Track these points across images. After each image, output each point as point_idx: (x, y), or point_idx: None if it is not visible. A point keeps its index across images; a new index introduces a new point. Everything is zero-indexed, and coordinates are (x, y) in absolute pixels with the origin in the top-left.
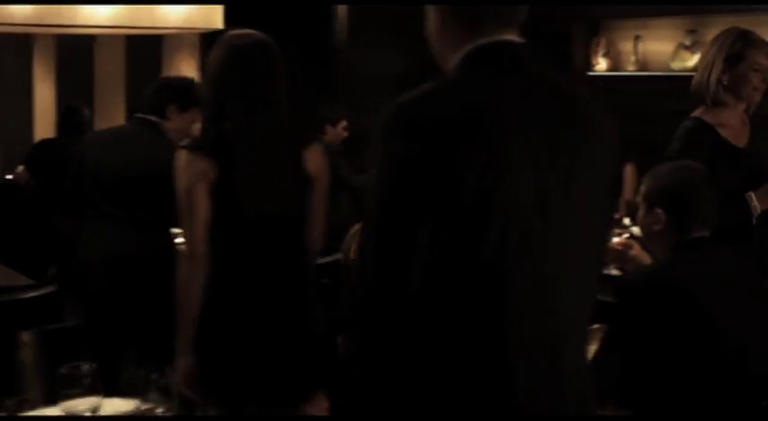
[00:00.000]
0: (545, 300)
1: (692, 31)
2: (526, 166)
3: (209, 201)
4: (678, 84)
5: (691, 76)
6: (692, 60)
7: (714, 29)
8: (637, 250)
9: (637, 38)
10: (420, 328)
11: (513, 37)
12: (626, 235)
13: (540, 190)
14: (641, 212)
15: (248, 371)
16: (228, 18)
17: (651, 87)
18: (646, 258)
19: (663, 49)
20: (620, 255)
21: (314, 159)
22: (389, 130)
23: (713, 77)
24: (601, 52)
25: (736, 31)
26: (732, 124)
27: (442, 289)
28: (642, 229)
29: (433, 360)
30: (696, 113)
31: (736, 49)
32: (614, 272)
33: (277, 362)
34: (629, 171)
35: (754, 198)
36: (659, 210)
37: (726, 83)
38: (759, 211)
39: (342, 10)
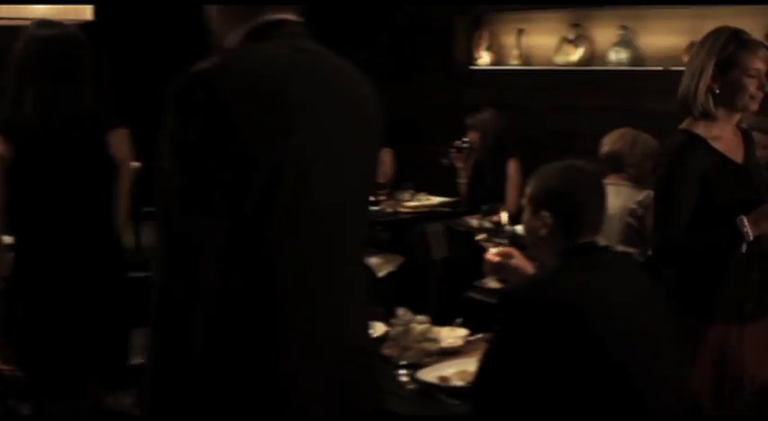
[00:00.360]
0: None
1: (575, 25)
2: (315, 139)
3: (6, 183)
4: (561, 78)
5: (574, 71)
6: (576, 54)
7: (598, 22)
8: (518, 259)
9: (520, 31)
10: (214, 322)
11: (291, 16)
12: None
13: (324, 163)
14: (526, 215)
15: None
16: (99, 9)
17: (534, 82)
18: (528, 268)
19: (546, 42)
20: (500, 267)
21: (118, 144)
22: (184, 103)
23: (702, 86)
24: (483, 46)
25: (726, 32)
26: (726, 136)
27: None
28: (527, 233)
29: (224, 351)
30: (684, 125)
31: (727, 53)
32: (493, 284)
33: (65, 347)
34: (512, 166)
35: (746, 222)
36: (545, 213)
37: (717, 91)
38: (752, 237)
39: None
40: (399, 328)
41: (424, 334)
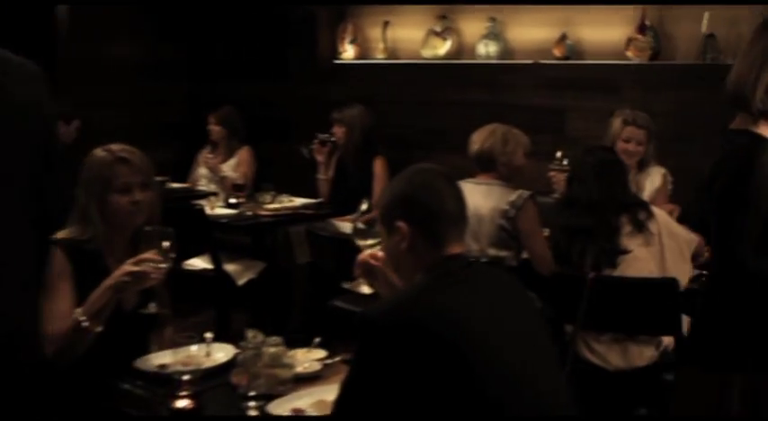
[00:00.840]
0: None
1: (442, 17)
2: None
3: None
4: (429, 72)
5: (442, 64)
6: (444, 48)
7: (466, 14)
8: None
9: (385, 24)
10: None
11: None
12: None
13: None
14: (383, 236)
15: None
16: None
17: (401, 76)
18: (395, 277)
19: (413, 35)
20: (370, 269)
21: None
22: None
23: (764, 79)
24: (348, 39)
25: None
26: None
27: None
28: (389, 256)
29: None
30: (739, 125)
31: None
32: (366, 289)
33: None
34: (378, 165)
35: None
36: (401, 224)
37: None
38: None
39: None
40: (249, 353)
41: (276, 358)
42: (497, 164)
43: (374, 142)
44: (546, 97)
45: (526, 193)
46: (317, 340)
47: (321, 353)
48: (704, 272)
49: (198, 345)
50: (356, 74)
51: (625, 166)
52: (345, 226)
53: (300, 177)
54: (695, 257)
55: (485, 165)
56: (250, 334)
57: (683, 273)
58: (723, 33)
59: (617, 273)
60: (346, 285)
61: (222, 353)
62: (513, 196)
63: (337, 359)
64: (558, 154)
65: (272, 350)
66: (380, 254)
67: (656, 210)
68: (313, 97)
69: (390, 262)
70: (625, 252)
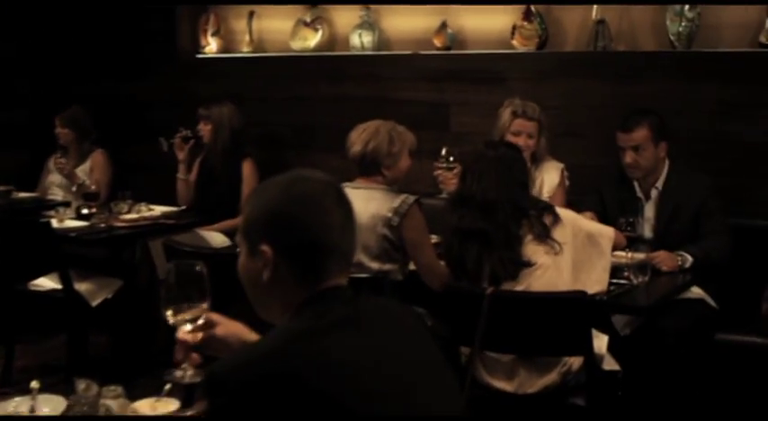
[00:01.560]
0: None
1: (312, 6)
2: None
3: None
4: (299, 66)
5: (313, 57)
6: (314, 39)
7: (339, 3)
8: (226, 326)
9: (250, 14)
10: None
11: None
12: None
13: None
14: (241, 254)
15: None
16: None
17: (269, 71)
18: (243, 333)
19: (281, 26)
20: (203, 345)
21: None
22: None
23: None
24: (210, 31)
25: None
26: None
27: None
28: (246, 282)
29: None
30: None
31: None
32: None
33: None
34: (246, 168)
35: None
36: (265, 248)
37: None
38: None
39: None
40: (82, 408)
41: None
42: (381, 166)
43: (243, 143)
44: (427, 91)
45: (411, 198)
46: (168, 387)
47: (172, 405)
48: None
49: (21, 398)
50: (221, 69)
51: (526, 166)
52: (213, 236)
53: (166, 183)
54: (616, 249)
55: (367, 169)
56: (81, 385)
57: (600, 275)
58: (615, 19)
59: (521, 286)
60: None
61: (49, 406)
62: (397, 202)
63: (190, 413)
64: (444, 150)
65: (111, 403)
66: (208, 319)
67: (562, 211)
68: (176, 95)
69: (246, 288)
70: (528, 264)
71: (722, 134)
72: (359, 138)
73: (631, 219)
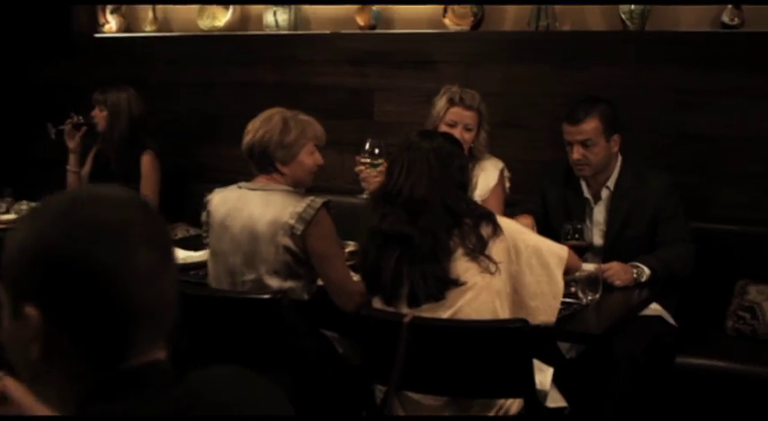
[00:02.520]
0: None
1: None
2: None
3: None
4: (208, 47)
5: (223, 37)
6: (224, 17)
7: None
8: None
9: None
10: None
11: None
12: None
13: None
14: (5, 316)
15: None
16: None
17: (174, 52)
18: (33, 407)
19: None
20: None
21: None
22: None
23: None
24: (110, 9)
25: None
26: None
27: None
28: (10, 356)
29: None
30: None
31: None
32: None
33: None
34: (146, 162)
35: None
36: (31, 310)
37: None
38: None
39: None
40: None
41: None
42: (275, 161)
43: (143, 132)
44: (349, 75)
45: (318, 202)
46: None
47: None
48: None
49: None
50: (122, 50)
51: (467, 165)
52: None
53: (54, 177)
54: (569, 273)
55: (261, 164)
56: None
57: (548, 304)
58: None
59: (448, 310)
60: None
61: None
62: (301, 206)
63: None
64: (368, 143)
65: None
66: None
67: (505, 222)
68: (70, 78)
69: (14, 361)
70: (456, 283)
71: (682, 125)
72: (252, 126)
73: (579, 225)
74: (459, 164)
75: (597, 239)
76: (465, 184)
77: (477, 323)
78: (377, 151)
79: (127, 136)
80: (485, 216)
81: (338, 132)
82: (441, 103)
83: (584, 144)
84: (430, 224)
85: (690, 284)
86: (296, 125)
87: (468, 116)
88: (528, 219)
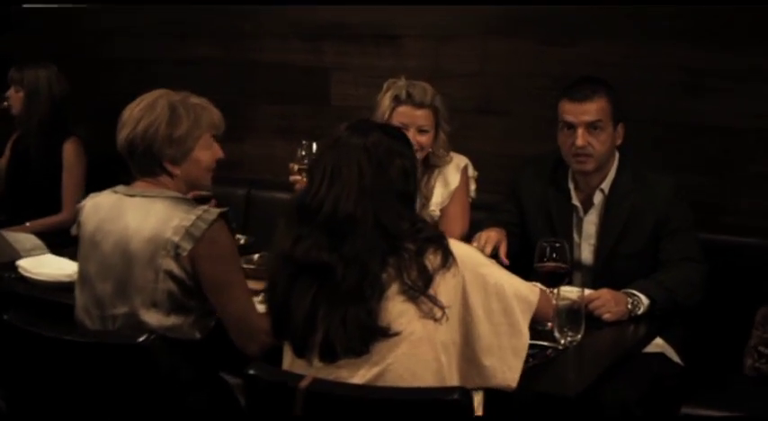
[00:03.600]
0: None
1: None
2: None
3: None
4: (138, 19)
5: (160, 8)
6: None
7: None
8: None
9: None
10: None
11: None
12: None
13: None
14: None
15: None
16: None
17: (100, 25)
18: None
19: None
20: None
21: None
22: None
23: None
24: None
25: None
26: None
27: None
28: None
29: None
30: None
31: None
32: None
33: None
34: (68, 151)
35: None
36: None
37: None
38: None
39: None
40: None
41: None
42: (164, 160)
43: (66, 117)
44: (300, 52)
45: (212, 213)
46: None
47: None
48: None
49: None
50: (43, 22)
51: (416, 167)
52: (21, 240)
53: None
54: (538, 322)
55: (143, 165)
56: None
57: (507, 363)
58: None
59: (372, 369)
60: None
61: None
62: (189, 218)
63: None
64: (303, 147)
65: None
66: None
67: (459, 248)
68: None
69: None
70: (384, 332)
71: (692, 115)
72: (129, 116)
73: (558, 244)
74: (402, 166)
75: (586, 256)
76: (409, 195)
77: (399, 392)
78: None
79: (47, 119)
80: (433, 240)
81: (289, 119)
82: (384, 101)
83: (590, 127)
84: (357, 251)
85: (699, 312)
86: (187, 112)
87: (420, 116)
88: (495, 234)
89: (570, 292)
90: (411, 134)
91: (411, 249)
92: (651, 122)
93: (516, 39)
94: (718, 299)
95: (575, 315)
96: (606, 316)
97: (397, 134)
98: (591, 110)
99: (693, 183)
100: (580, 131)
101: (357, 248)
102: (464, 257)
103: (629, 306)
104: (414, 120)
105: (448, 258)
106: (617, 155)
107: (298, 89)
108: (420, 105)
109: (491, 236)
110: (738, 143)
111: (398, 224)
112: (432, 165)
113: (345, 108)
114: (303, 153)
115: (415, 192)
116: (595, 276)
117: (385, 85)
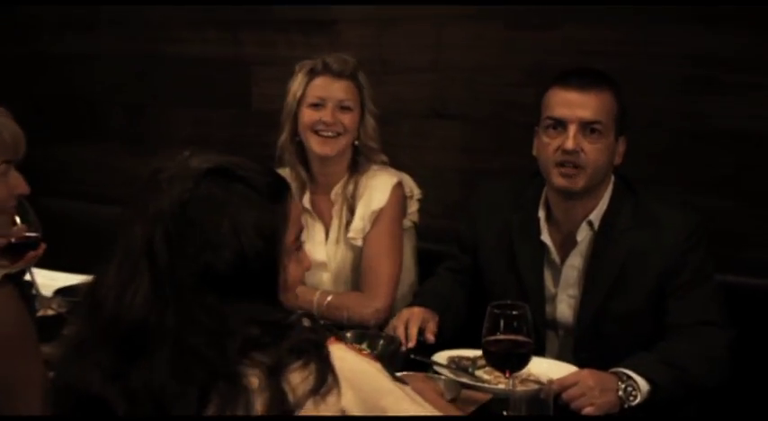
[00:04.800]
0: None
1: None
2: None
3: None
4: (31, 9)
5: None
6: None
7: None
8: None
9: None
10: None
11: None
12: None
13: None
14: None
15: None
16: None
17: None
18: None
19: None
20: None
21: None
22: None
23: None
24: None
25: None
26: None
27: None
28: None
29: None
30: None
31: None
32: None
33: None
34: None
35: None
36: None
37: None
38: None
39: None
40: None
41: None
42: None
43: None
44: (216, 43)
45: None
46: None
47: None
48: None
49: None
50: None
51: (280, 215)
52: None
53: None
54: None
55: None
56: None
57: None
58: None
59: None
60: None
61: None
62: None
63: None
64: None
65: None
66: None
67: (346, 359)
68: None
69: None
70: None
71: (701, 116)
72: None
73: (514, 311)
74: (241, 228)
75: (564, 314)
76: (262, 276)
77: None
78: None
79: None
80: (302, 349)
81: (204, 125)
82: (297, 79)
83: (586, 128)
84: (154, 378)
85: (722, 393)
86: None
87: (339, 88)
88: (420, 311)
89: (539, 365)
90: (329, 112)
91: (262, 368)
92: (650, 125)
93: (479, 23)
94: (738, 364)
95: (540, 407)
96: (587, 409)
97: (245, 174)
98: (591, 104)
99: (703, 204)
100: (572, 131)
101: (153, 373)
102: (356, 381)
103: (621, 393)
104: (332, 94)
105: (324, 379)
106: (612, 178)
107: (212, 90)
108: (339, 75)
109: (414, 313)
110: (758, 152)
111: (227, 330)
112: (360, 170)
113: (269, 113)
114: None
115: (277, 264)
116: (576, 344)
117: (297, 67)
